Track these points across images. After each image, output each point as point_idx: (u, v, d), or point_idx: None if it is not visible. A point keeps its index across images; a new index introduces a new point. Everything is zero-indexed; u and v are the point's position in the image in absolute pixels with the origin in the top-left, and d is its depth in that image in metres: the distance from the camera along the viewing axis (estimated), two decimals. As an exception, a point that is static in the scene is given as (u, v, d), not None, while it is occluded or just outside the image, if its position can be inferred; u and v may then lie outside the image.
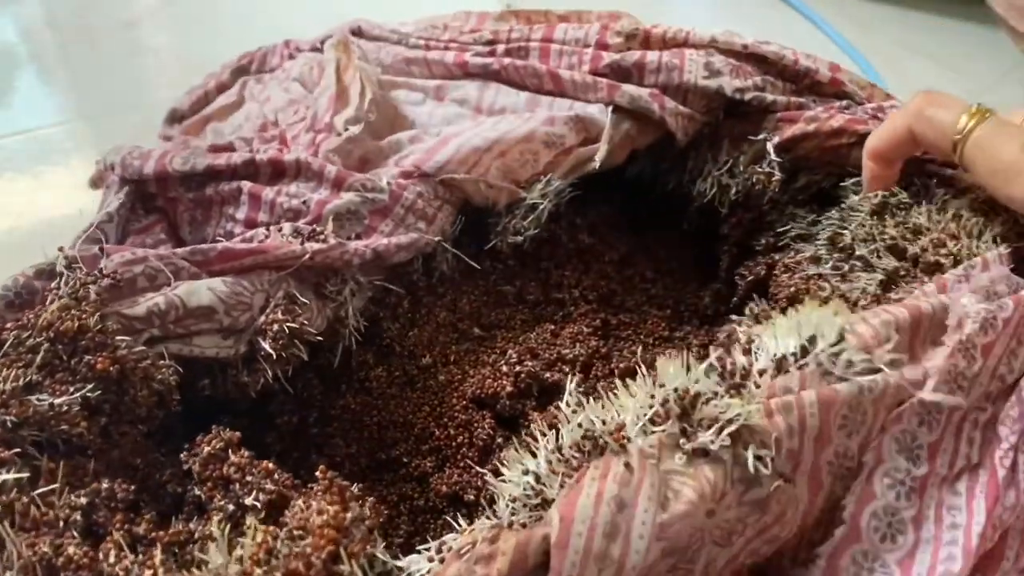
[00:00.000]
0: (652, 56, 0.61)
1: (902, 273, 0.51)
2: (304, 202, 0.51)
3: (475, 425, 0.50)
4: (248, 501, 0.36)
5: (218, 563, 0.33)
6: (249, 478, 0.37)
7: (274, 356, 0.46)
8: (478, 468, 0.48)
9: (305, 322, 0.47)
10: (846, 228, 0.55)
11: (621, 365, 0.54)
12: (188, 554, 0.35)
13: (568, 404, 0.37)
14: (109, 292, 0.43)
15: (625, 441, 0.33)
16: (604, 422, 0.35)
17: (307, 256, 0.47)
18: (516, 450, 0.36)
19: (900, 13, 1.16)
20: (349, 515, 0.33)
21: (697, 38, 0.62)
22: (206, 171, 0.53)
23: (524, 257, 0.62)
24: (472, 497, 0.47)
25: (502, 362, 0.53)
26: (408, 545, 0.46)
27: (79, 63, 1.04)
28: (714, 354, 0.38)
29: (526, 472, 0.35)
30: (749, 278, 0.60)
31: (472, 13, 0.69)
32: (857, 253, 0.54)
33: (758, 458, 0.33)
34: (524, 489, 0.35)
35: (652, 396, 0.35)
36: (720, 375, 0.37)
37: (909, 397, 0.39)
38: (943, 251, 0.50)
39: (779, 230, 0.60)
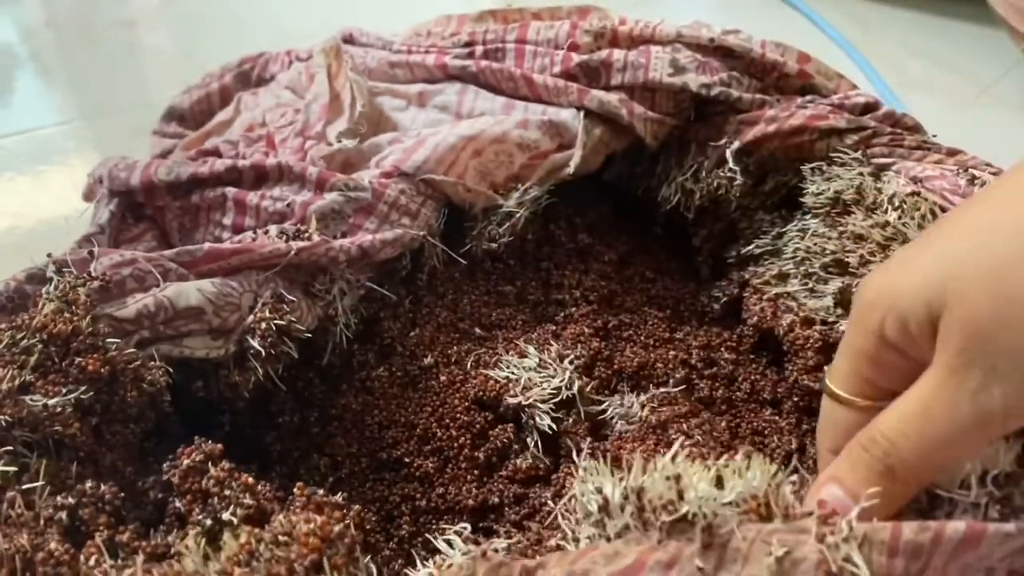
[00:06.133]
0: (619, 55, 0.62)
1: (853, 290, 0.52)
2: (288, 204, 0.52)
3: (476, 426, 0.50)
4: (225, 516, 0.36)
5: (192, 571, 0.33)
6: (227, 492, 0.37)
7: (263, 354, 0.47)
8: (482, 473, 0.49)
9: (293, 320, 0.48)
10: (801, 241, 0.56)
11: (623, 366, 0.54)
12: (166, 567, 0.35)
13: (667, 476, 0.34)
14: (99, 294, 0.44)
15: (709, 539, 0.32)
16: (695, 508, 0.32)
17: (292, 253, 0.48)
18: (599, 460, 0.36)
19: (901, 13, 1.16)
20: (336, 527, 0.33)
21: (663, 33, 0.63)
22: (190, 179, 0.54)
23: (524, 257, 0.62)
24: (476, 503, 0.47)
25: (504, 363, 0.53)
26: (409, 545, 0.46)
27: (79, 63, 1.04)
28: None
29: (599, 490, 0.35)
30: (724, 299, 0.61)
31: (452, 16, 0.70)
32: (810, 269, 0.55)
33: None
34: (587, 501, 0.35)
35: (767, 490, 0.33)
36: None
37: None
38: (880, 256, 0.52)
39: (746, 247, 0.62)
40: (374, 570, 0.34)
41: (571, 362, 0.52)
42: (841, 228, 0.55)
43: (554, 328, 0.57)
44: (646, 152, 0.64)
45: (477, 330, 0.57)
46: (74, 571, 0.33)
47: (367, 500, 0.48)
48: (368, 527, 0.46)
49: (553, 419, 0.49)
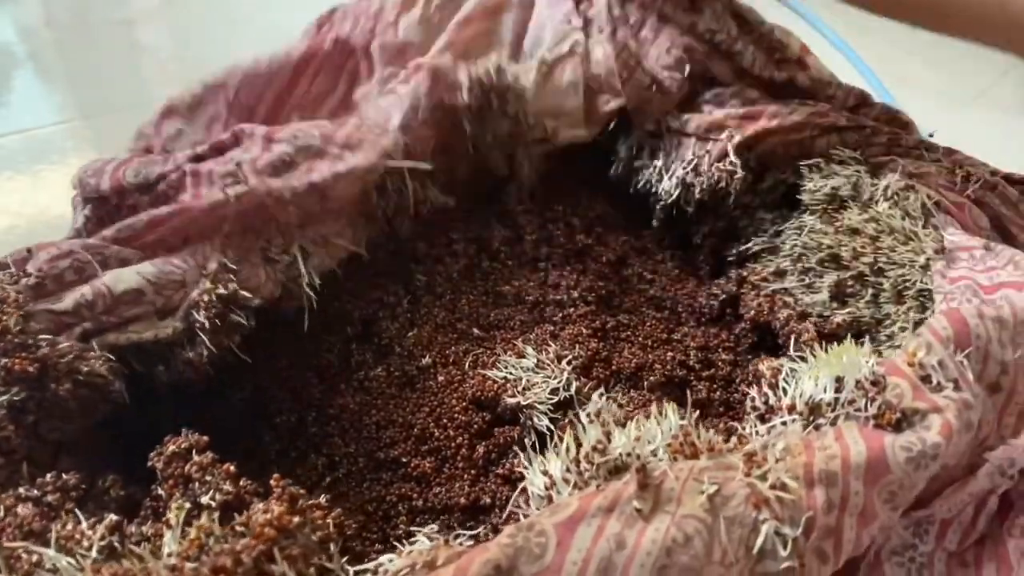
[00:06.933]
0: None
1: (849, 285, 0.53)
2: (237, 164, 0.50)
3: (474, 426, 0.50)
4: (204, 500, 0.37)
5: (171, 550, 0.33)
6: (209, 478, 0.38)
7: (208, 326, 0.46)
8: (480, 471, 0.49)
9: (238, 288, 0.47)
10: (799, 238, 0.57)
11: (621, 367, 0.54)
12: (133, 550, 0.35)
13: (589, 415, 0.37)
14: (35, 290, 0.43)
15: (644, 479, 0.33)
16: (626, 450, 0.35)
17: (232, 200, 0.47)
18: (542, 452, 0.37)
19: (899, 15, 1.16)
20: (296, 519, 0.33)
21: None
22: (158, 178, 0.53)
23: (522, 257, 0.62)
24: (468, 501, 0.47)
25: (502, 364, 0.53)
26: (405, 546, 0.46)
27: (78, 62, 1.04)
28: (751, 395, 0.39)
29: (545, 472, 0.36)
30: (722, 297, 0.61)
31: None
32: (807, 265, 0.56)
33: (778, 534, 0.33)
34: (535, 486, 0.36)
35: (683, 426, 0.36)
36: (759, 417, 0.37)
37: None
38: (870, 247, 0.53)
39: (745, 244, 0.63)
40: (351, 572, 0.34)
41: (569, 363, 0.52)
42: (837, 223, 0.56)
43: (552, 329, 0.57)
44: (646, 148, 0.65)
45: (475, 330, 0.57)
46: (43, 540, 0.33)
47: (364, 500, 0.48)
48: (364, 533, 0.47)
49: (551, 419, 0.49)
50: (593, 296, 0.60)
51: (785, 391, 0.39)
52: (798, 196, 0.59)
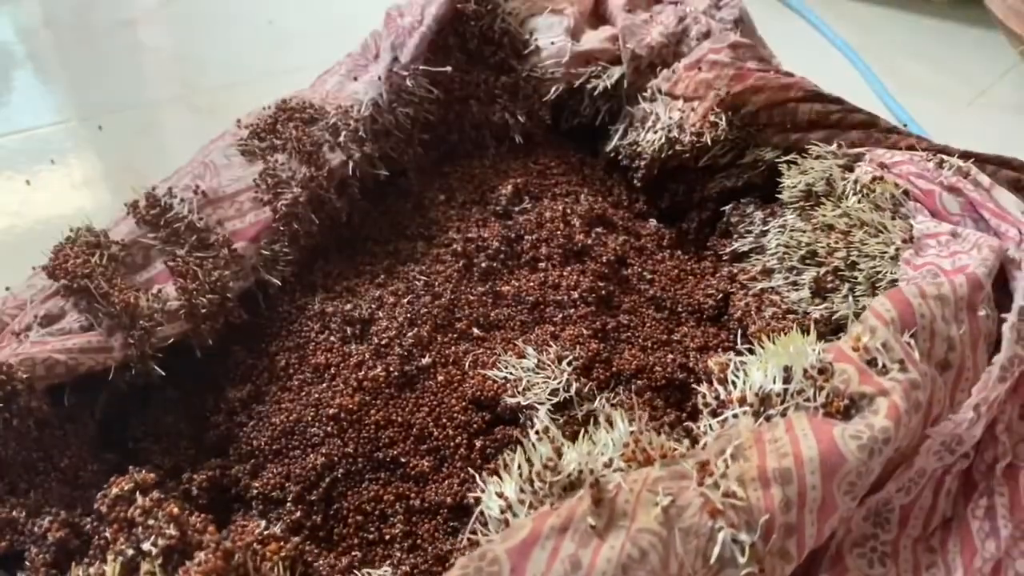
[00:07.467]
0: None
1: (829, 280, 0.53)
2: None
3: (473, 426, 0.50)
4: (145, 546, 0.36)
5: None
6: (151, 522, 0.37)
7: None
8: (475, 472, 0.49)
9: None
10: (782, 236, 0.59)
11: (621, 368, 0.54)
12: None
13: (538, 433, 0.37)
14: None
15: (598, 494, 0.33)
16: (578, 466, 0.35)
17: None
18: (497, 472, 0.37)
19: (899, 15, 1.16)
20: None
21: None
22: None
23: (522, 257, 0.62)
24: (454, 501, 0.47)
25: (502, 364, 0.53)
26: (400, 548, 0.46)
27: (77, 63, 1.04)
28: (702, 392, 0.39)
29: (500, 495, 0.36)
30: (719, 296, 0.62)
31: None
32: (790, 263, 0.56)
33: (735, 541, 0.32)
34: (489, 508, 0.36)
35: (632, 433, 0.36)
36: (711, 413, 0.37)
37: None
38: (842, 242, 0.54)
39: (737, 243, 0.64)
40: None
41: (569, 363, 0.52)
42: (814, 220, 0.57)
43: (553, 329, 0.57)
44: (638, 111, 0.68)
45: (475, 330, 0.57)
46: None
47: (362, 500, 0.48)
48: (361, 533, 0.47)
49: (551, 420, 0.49)
50: (593, 297, 0.59)
51: (735, 384, 0.40)
52: (777, 194, 0.61)
